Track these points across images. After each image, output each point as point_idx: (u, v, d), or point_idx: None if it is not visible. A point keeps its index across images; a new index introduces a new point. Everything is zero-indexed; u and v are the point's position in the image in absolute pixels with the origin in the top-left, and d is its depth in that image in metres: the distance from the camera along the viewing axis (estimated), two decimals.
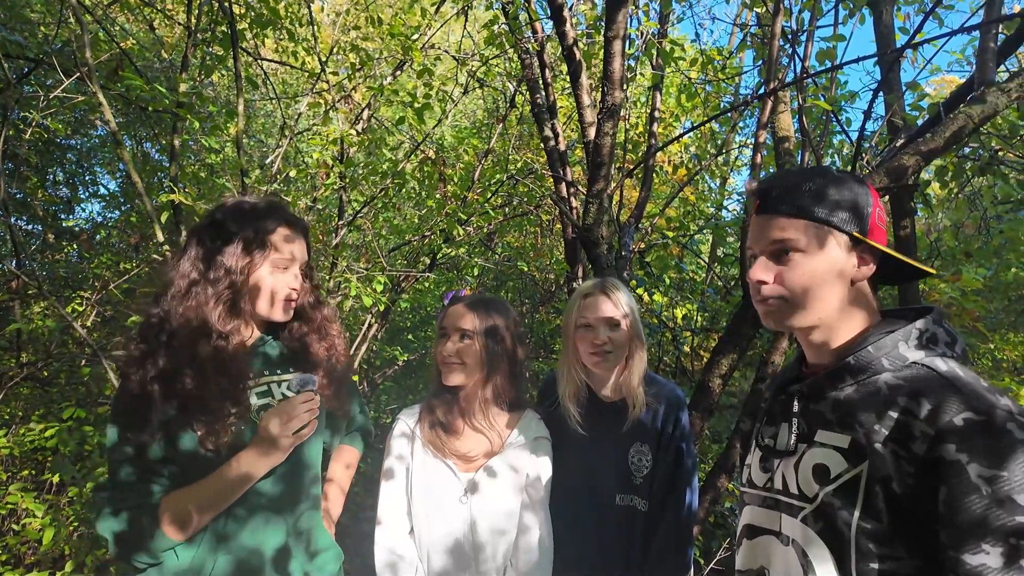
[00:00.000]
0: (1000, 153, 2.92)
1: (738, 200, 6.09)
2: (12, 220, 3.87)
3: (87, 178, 5.73)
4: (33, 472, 3.60)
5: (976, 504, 0.81)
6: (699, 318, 4.69)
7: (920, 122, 2.65)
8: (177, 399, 1.32)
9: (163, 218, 2.92)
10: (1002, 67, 2.70)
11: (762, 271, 1.04)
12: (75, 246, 5.10)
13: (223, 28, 3.26)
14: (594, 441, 1.72)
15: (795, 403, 1.06)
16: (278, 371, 1.51)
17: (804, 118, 2.47)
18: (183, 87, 2.97)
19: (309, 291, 1.58)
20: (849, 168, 2.51)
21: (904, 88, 2.76)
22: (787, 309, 1.03)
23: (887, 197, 2.59)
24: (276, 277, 1.45)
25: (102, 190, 5.81)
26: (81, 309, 4.01)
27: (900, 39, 3.02)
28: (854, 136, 3.02)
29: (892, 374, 0.96)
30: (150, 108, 2.92)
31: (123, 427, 1.33)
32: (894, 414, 0.91)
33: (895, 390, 0.94)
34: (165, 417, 1.32)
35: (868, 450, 0.93)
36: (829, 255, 1.00)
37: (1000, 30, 2.32)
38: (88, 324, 3.99)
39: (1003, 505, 0.80)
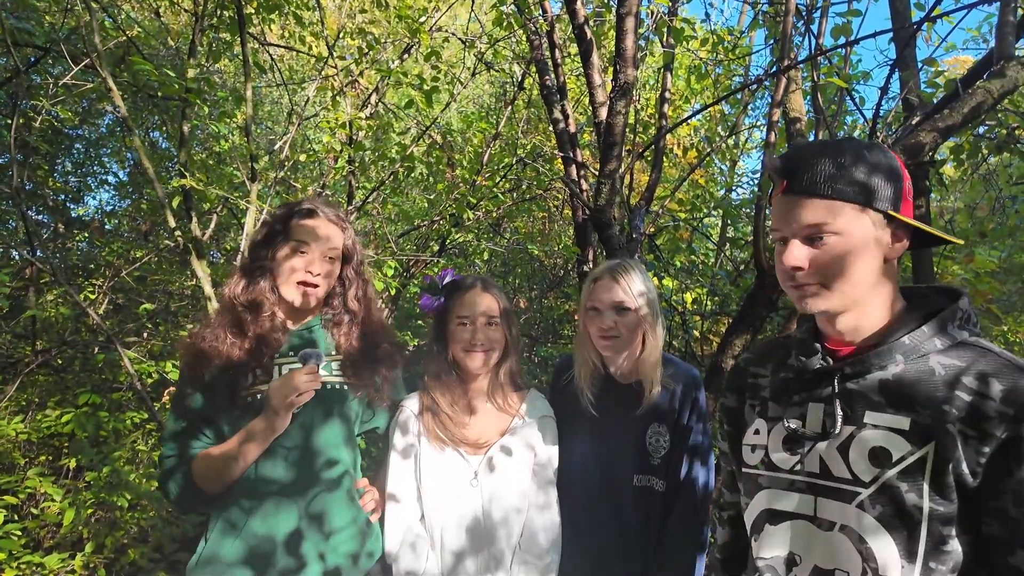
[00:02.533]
0: (1017, 131, 2.87)
1: (748, 183, 6.04)
2: (24, 209, 3.88)
3: (95, 167, 5.74)
4: (50, 457, 3.65)
5: None
6: (709, 302, 4.66)
7: (936, 100, 2.60)
8: (217, 365, 1.54)
9: (174, 204, 2.92)
10: (1021, 43, 2.64)
11: (796, 256, 0.99)
12: (86, 234, 5.12)
13: (230, 13, 3.24)
14: (610, 422, 1.71)
15: (835, 383, 1.02)
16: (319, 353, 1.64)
17: (819, 96, 2.42)
18: (191, 73, 2.96)
19: (354, 283, 1.71)
20: None
21: (920, 65, 2.71)
22: (825, 293, 0.99)
23: None
24: (290, 260, 1.59)
25: (111, 179, 5.83)
26: (94, 297, 4.04)
27: (915, 15, 2.97)
28: (868, 114, 2.98)
29: (943, 354, 0.95)
30: (159, 94, 2.92)
31: (181, 390, 1.58)
32: (964, 396, 0.90)
33: (958, 371, 0.92)
34: (210, 380, 1.54)
35: (936, 431, 0.91)
36: (866, 235, 0.97)
37: (1020, 3, 2.27)
38: (101, 311, 4.02)
39: None
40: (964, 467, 0.88)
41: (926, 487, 0.90)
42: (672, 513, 1.65)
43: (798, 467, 1.03)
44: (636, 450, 1.68)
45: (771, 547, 1.06)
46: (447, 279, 1.77)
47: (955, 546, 0.90)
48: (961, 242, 1.04)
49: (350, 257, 1.70)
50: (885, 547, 0.92)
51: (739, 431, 1.21)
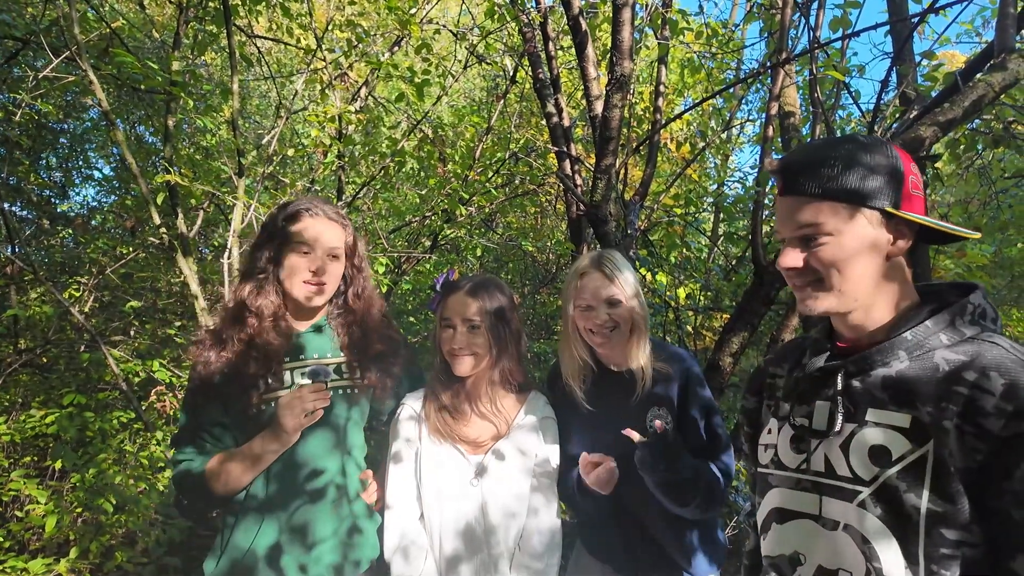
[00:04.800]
0: (1012, 125, 2.85)
1: (741, 177, 6.02)
2: (5, 206, 3.79)
3: (80, 162, 5.63)
4: (35, 459, 3.57)
5: None
6: (702, 297, 4.65)
7: (933, 93, 2.58)
8: (225, 372, 1.54)
9: (159, 200, 2.86)
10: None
11: (790, 258, 0.99)
12: (71, 231, 5.03)
13: (215, 4, 3.17)
14: (606, 412, 1.69)
15: (838, 381, 1.01)
16: (327, 355, 1.67)
17: (818, 88, 2.39)
18: (176, 65, 2.89)
19: (355, 280, 1.73)
20: None
21: (919, 58, 2.68)
22: (822, 295, 0.99)
23: None
24: (298, 262, 1.59)
25: (96, 174, 5.73)
26: (78, 294, 3.96)
27: (912, 7, 2.95)
28: (865, 108, 2.96)
29: (949, 349, 0.92)
30: (142, 87, 2.84)
31: (190, 397, 1.59)
32: (963, 390, 0.87)
33: (960, 366, 0.89)
34: (219, 387, 1.54)
35: (933, 429, 0.88)
36: (860, 235, 0.95)
37: None
38: (86, 309, 3.94)
39: None
40: (964, 466, 0.85)
41: (926, 487, 0.87)
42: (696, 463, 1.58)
43: (804, 466, 1.03)
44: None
45: (777, 546, 1.07)
46: (443, 279, 1.76)
47: (964, 551, 0.85)
48: (977, 235, 1.00)
49: (351, 254, 1.71)
50: (887, 548, 0.90)
51: (757, 432, 1.20)
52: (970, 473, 0.85)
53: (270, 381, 1.56)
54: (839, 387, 1.00)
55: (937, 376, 0.90)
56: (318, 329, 1.69)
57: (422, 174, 4.51)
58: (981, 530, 0.85)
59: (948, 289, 1.01)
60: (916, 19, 2.39)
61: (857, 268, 0.96)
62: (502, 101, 4.16)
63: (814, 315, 1.02)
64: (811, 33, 2.50)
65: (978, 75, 2.08)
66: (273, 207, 1.75)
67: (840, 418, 0.98)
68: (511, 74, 4.16)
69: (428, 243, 4.08)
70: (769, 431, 1.14)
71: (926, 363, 0.92)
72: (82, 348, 3.87)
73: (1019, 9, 2.12)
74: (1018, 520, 0.81)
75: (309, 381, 1.54)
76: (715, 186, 5.85)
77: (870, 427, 0.94)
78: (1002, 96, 2.53)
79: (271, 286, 1.60)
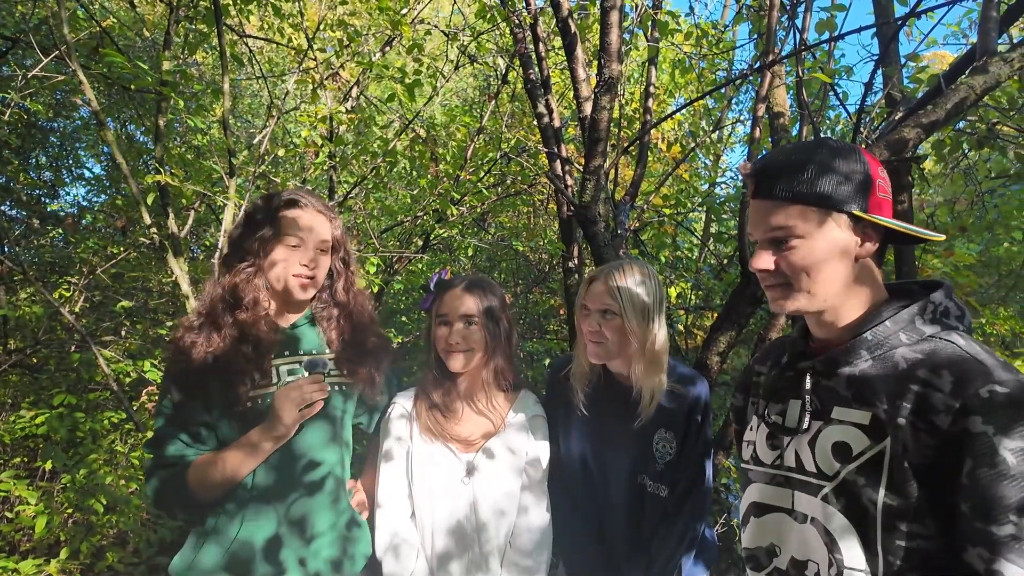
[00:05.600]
0: (997, 126, 2.89)
1: (731, 178, 6.06)
2: None
3: (70, 161, 5.60)
4: (25, 459, 3.57)
5: (1004, 476, 0.81)
6: (693, 296, 4.68)
7: (919, 95, 2.61)
8: (209, 365, 1.46)
9: (149, 200, 2.85)
10: (1001, 39, 2.65)
11: (762, 260, 1.03)
12: (61, 231, 5.00)
13: (206, 3, 3.16)
14: (610, 424, 1.68)
15: (807, 380, 1.04)
16: (312, 351, 1.62)
17: (804, 91, 2.42)
18: (166, 65, 2.89)
19: (343, 275, 1.68)
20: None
21: (904, 60, 2.72)
22: (792, 296, 1.02)
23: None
24: (288, 255, 1.54)
25: (87, 173, 5.70)
26: (68, 294, 3.95)
27: (898, 10, 2.97)
28: (851, 110, 2.98)
29: (909, 348, 0.95)
30: (132, 87, 2.84)
31: (169, 392, 1.51)
32: (915, 387, 0.90)
33: (915, 364, 0.92)
34: (202, 382, 1.47)
35: (890, 426, 0.91)
36: (829, 238, 0.98)
37: None
38: (76, 309, 3.93)
39: None
40: (918, 461, 0.88)
41: (883, 482, 0.90)
42: (675, 519, 1.63)
43: (778, 461, 1.07)
44: (642, 455, 1.65)
45: (754, 539, 1.11)
46: (436, 279, 1.77)
47: (920, 543, 0.89)
48: (941, 237, 1.03)
49: (338, 248, 1.67)
50: (848, 540, 0.94)
51: (743, 429, 1.24)
52: (924, 468, 0.88)
53: (257, 377, 1.50)
54: (807, 386, 1.04)
55: (896, 374, 0.94)
56: (305, 323, 1.65)
57: (414, 174, 4.52)
58: (936, 523, 0.88)
59: (918, 288, 1.04)
60: (900, 21, 2.42)
61: (826, 271, 0.99)
62: (494, 101, 4.17)
63: (785, 314, 1.06)
64: (798, 35, 2.52)
65: (960, 78, 2.11)
66: (258, 197, 1.68)
67: (808, 416, 1.02)
68: (503, 74, 4.17)
69: (420, 243, 4.09)
70: (751, 428, 1.18)
71: (887, 362, 0.96)
72: (72, 348, 3.86)
73: (1001, 13, 2.15)
74: (966, 513, 0.84)
75: (306, 373, 1.48)
76: (706, 186, 5.88)
77: (834, 424, 0.98)
78: (986, 98, 2.56)
79: (260, 280, 1.53)
